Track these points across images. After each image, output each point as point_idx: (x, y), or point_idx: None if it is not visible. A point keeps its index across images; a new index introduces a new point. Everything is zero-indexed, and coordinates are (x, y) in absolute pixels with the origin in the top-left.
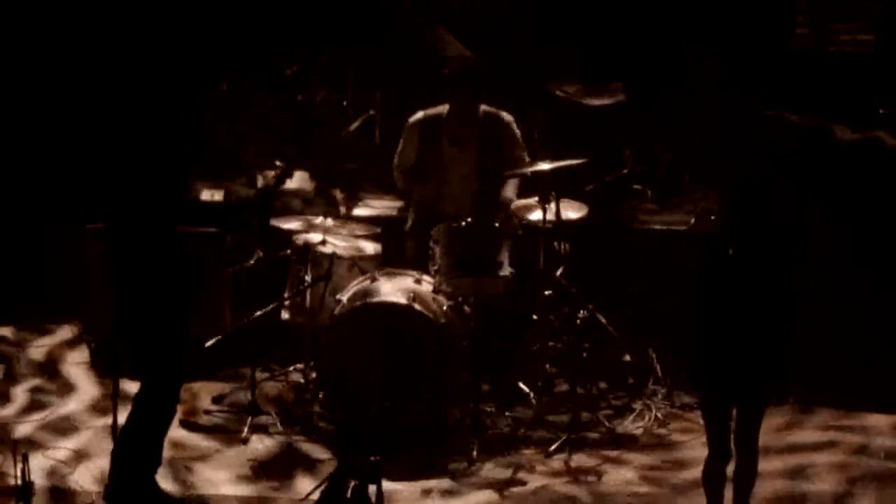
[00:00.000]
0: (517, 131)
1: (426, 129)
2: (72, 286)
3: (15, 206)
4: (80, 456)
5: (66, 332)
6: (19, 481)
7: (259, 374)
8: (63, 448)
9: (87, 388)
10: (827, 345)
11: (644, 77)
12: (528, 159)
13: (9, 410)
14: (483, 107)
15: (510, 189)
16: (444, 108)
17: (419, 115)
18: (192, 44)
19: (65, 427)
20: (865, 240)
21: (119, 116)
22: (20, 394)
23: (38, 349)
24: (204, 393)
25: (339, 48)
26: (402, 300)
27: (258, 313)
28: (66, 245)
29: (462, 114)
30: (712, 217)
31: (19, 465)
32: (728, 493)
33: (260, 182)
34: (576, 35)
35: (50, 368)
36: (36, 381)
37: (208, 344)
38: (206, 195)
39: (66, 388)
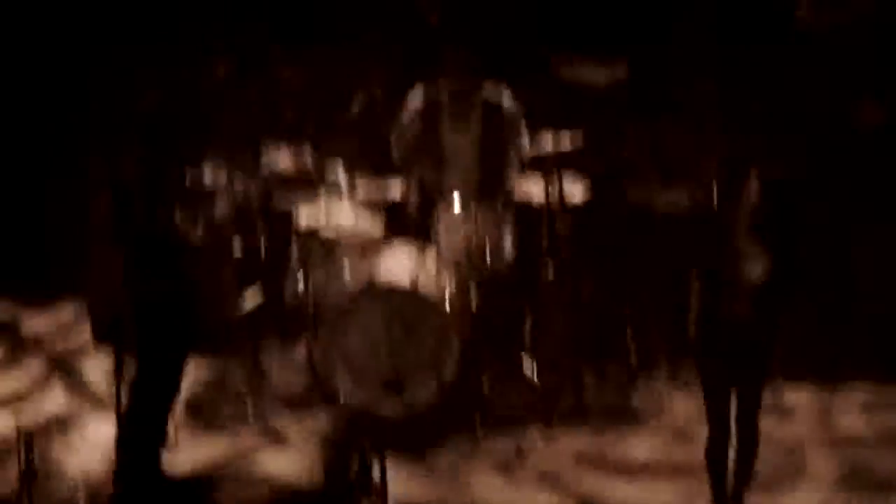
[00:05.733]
0: (519, 112)
1: (426, 109)
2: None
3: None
4: (83, 439)
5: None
6: (23, 465)
7: (262, 357)
8: (67, 433)
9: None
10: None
11: (650, 53)
12: (529, 139)
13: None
14: (485, 89)
15: (512, 174)
16: (444, 89)
17: (419, 95)
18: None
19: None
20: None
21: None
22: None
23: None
24: (207, 374)
25: (339, 25)
26: (405, 281)
27: (261, 296)
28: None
29: (462, 98)
30: (716, 196)
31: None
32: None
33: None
34: (580, 10)
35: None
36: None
37: (212, 327)
38: (208, 177)
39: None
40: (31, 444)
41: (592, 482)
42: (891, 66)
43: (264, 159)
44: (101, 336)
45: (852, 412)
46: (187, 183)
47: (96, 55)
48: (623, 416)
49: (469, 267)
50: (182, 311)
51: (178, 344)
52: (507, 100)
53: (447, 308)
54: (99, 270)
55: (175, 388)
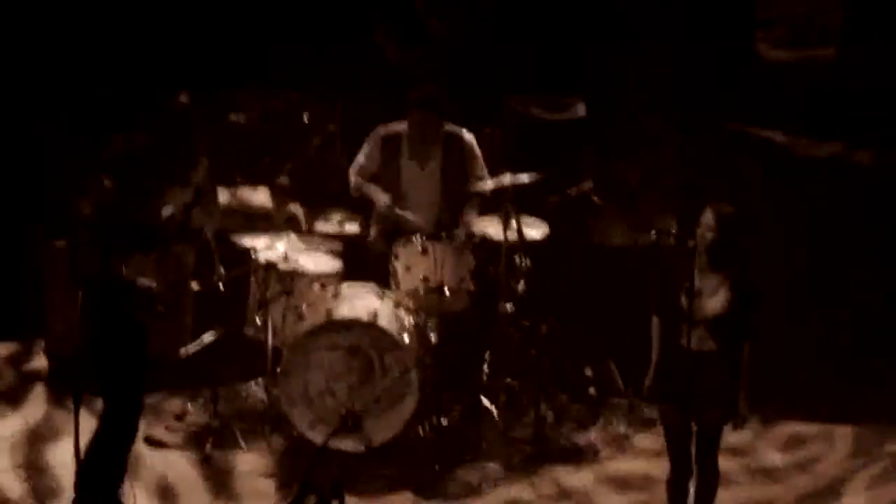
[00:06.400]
0: (478, 150)
1: (387, 144)
2: (34, 303)
3: None
4: (40, 472)
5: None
6: None
7: (221, 391)
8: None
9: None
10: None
11: (605, 91)
12: (488, 178)
13: None
14: (445, 125)
15: (471, 211)
16: (405, 125)
17: (380, 130)
18: (152, 62)
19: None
20: (828, 252)
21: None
22: None
23: None
24: (166, 409)
25: (298, 64)
26: (364, 316)
27: (220, 330)
28: (28, 261)
29: (423, 133)
30: (672, 232)
31: None
32: None
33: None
34: (535, 48)
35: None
36: None
37: (171, 360)
38: (165, 211)
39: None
40: None
41: None
42: (845, 104)
43: (224, 196)
44: (60, 375)
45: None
46: (145, 223)
47: (58, 101)
48: (582, 451)
49: (428, 302)
50: (137, 349)
51: (134, 382)
52: (466, 136)
53: (406, 343)
54: (56, 312)
55: (132, 425)
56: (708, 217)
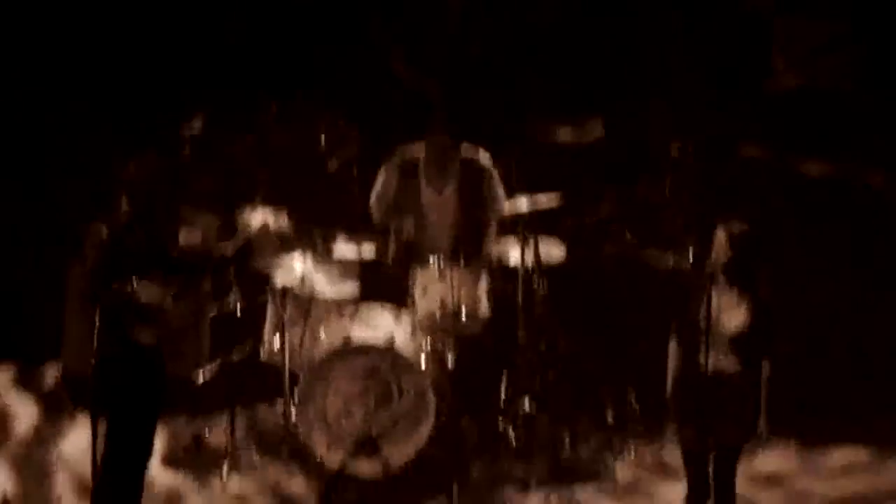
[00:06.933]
0: (495, 172)
1: (404, 170)
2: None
3: None
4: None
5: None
6: None
7: (238, 414)
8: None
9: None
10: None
11: (623, 112)
12: (506, 200)
13: None
14: (461, 149)
15: (489, 234)
16: (421, 148)
17: (397, 155)
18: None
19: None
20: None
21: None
22: None
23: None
24: (184, 432)
25: (316, 87)
26: (382, 341)
27: (238, 355)
28: (45, 282)
29: (439, 157)
30: (690, 253)
31: None
32: None
33: (238, 227)
34: (553, 70)
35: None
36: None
37: (188, 385)
38: (182, 237)
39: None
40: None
41: None
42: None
43: (241, 219)
44: (77, 400)
45: None
46: (162, 246)
47: (76, 121)
48: (599, 475)
49: (445, 326)
50: (150, 370)
51: (149, 405)
52: (484, 160)
53: (423, 367)
54: (72, 336)
55: (148, 447)
56: (720, 236)
